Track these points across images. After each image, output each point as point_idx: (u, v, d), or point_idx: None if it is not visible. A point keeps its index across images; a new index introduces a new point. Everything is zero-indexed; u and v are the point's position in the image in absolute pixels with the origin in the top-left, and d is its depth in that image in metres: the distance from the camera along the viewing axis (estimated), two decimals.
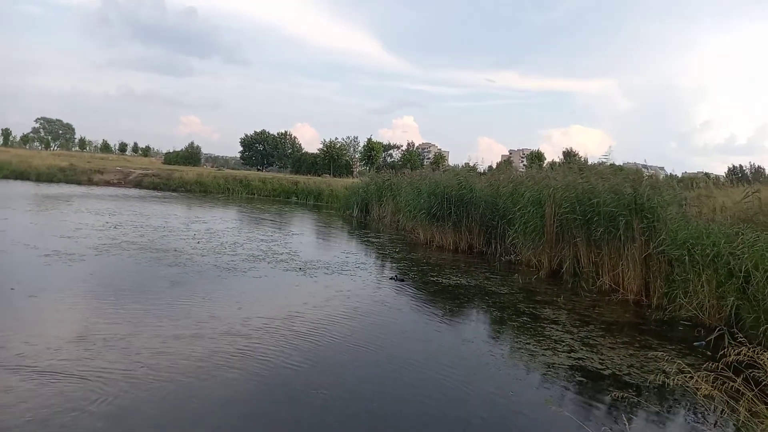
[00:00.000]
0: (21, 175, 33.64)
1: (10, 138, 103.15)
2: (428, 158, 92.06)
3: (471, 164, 22.68)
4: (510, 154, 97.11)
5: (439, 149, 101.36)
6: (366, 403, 4.56)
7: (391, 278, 10.09)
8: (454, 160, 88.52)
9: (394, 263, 12.33)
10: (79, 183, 33.51)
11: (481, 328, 7.38)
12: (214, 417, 4.07)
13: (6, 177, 32.99)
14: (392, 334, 6.58)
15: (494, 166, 34.68)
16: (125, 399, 4.19)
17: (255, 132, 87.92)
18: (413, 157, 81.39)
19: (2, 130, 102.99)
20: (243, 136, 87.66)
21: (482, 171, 23.97)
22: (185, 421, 3.99)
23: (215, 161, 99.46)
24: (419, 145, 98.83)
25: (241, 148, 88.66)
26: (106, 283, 7.97)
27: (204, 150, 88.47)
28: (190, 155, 76.34)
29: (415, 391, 4.87)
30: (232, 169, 72.74)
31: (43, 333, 5.56)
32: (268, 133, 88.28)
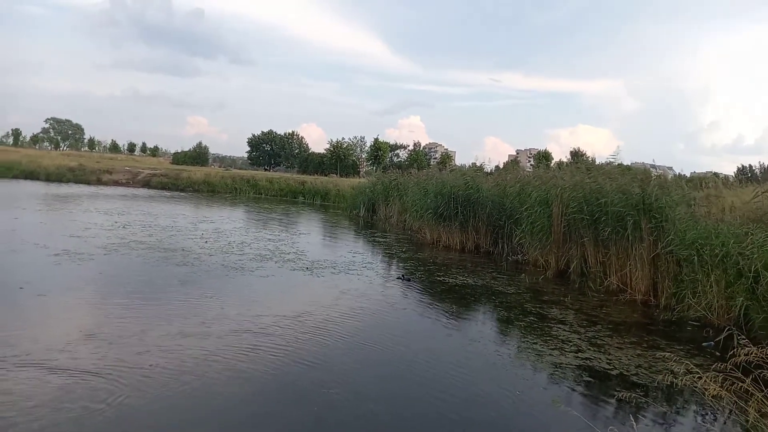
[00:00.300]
0: (31, 175, 33.92)
1: (20, 138, 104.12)
2: (435, 158, 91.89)
3: (478, 164, 22.65)
4: (517, 153, 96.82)
5: (446, 149, 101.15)
6: (373, 402, 4.57)
7: (398, 278, 10.10)
8: (461, 159, 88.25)
9: (401, 263, 12.34)
10: (88, 183, 33.75)
11: (488, 328, 7.37)
12: (224, 414, 4.10)
13: (16, 177, 33.28)
14: (399, 334, 6.59)
15: (501, 166, 34.66)
16: (138, 395, 4.24)
17: (262, 132, 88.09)
18: (420, 156, 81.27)
19: (12, 130, 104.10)
20: (250, 136, 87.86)
21: (489, 171, 23.95)
22: (196, 418, 4.03)
23: (223, 161, 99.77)
24: (426, 145, 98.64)
25: (248, 148, 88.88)
26: (116, 282, 8.04)
27: (211, 150, 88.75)
28: (198, 155, 76.69)
29: (423, 391, 4.88)
30: (240, 169, 72.97)
31: (53, 331, 5.62)
32: (275, 133, 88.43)
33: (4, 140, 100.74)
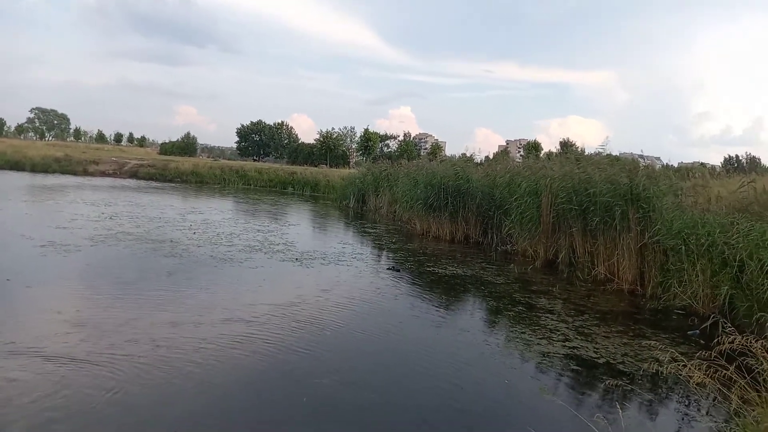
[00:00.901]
0: (16, 166, 33.37)
1: (5, 128, 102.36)
2: (425, 148, 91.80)
3: (468, 154, 22.66)
4: (507, 144, 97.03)
5: (436, 139, 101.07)
6: (365, 391, 4.59)
7: (388, 268, 10.11)
8: (452, 150, 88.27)
9: (391, 253, 12.36)
10: (74, 173, 33.29)
11: (477, 318, 7.42)
12: (218, 402, 4.11)
13: (0, 167, 32.75)
14: (389, 324, 6.61)
15: (491, 157, 34.72)
16: (132, 384, 4.26)
17: (251, 122, 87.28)
18: (410, 147, 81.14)
19: None
20: (239, 126, 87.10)
21: (479, 161, 23.99)
22: (189, 406, 4.03)
23: (211, 152, 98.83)
24: (416, 135, 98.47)
25: (237, 139, 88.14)
26: (104, 274, 7.96)
27: (200, 140, 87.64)
28: (186, 146, 75.84)
29: (414, 380, 4.91)
30: (229, 159, 72.41)
31: (43, 321, 5.56)
32: (265, 123, 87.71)
33: None
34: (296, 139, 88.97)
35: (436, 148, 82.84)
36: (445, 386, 4.81)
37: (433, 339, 6.18)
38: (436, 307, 7.68)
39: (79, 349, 4.90)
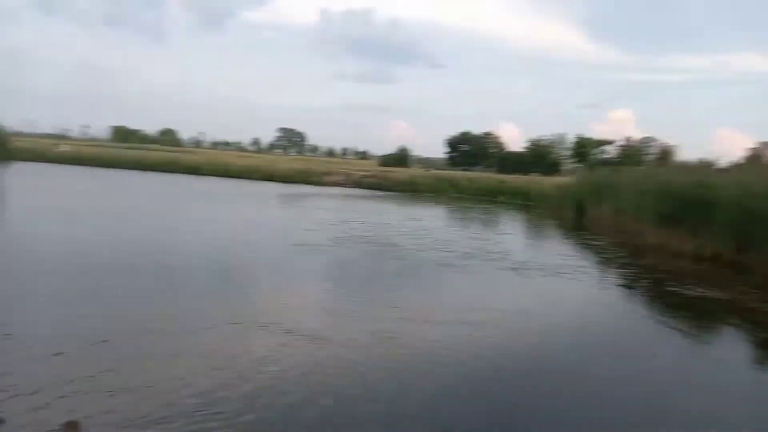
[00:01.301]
0: (268, 177, 39.98)
1: (258, 146, 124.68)
2: (651, 153, 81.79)
3: (708, 159, 19.37)
4: (765, 146, 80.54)
5: (663, 143, 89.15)
6: (599, 415, 4.20)
7: (618, 285, 9.22)
8: (683, 154, 76.80)
9: (620, 269, 11.24)
10: (313, 184, 38.46)
11: (741, 351, 6.22)
12: (441, 393, 4.29)
13: (258, 179, 39.58)
14: (624, 347, 6.03)
15: (737, 161, 29.17)
16: (367, 365, 4.76)
17: (459, 133, 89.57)
18: (632, 152, 73.23)
19: (252, 139, 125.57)
20: (447, 137, 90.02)
21: (724, 167, 20.35)
22: (416, 393, 4.22)
23: (424, 162, 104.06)
24: (638, 139, 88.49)
25: (446, 149, 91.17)
26: (343, 270, 9.05)
27: (411, 152, 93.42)
28: (402, 158, 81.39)
29: (661, 416, 4.31)
30: (439, 169, 75.27)
31: (301, 308, 6.50)
32: (472, 134, 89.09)
33: (247, 147, 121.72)
34: (503, 147, 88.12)
35: (666, 153, 73.08)
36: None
37: (687, 370, 5.38)
38: (685, 333, 6.69)
39: (329, 332, 5.62)
